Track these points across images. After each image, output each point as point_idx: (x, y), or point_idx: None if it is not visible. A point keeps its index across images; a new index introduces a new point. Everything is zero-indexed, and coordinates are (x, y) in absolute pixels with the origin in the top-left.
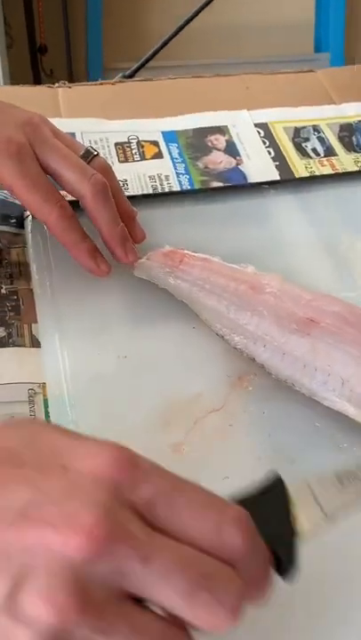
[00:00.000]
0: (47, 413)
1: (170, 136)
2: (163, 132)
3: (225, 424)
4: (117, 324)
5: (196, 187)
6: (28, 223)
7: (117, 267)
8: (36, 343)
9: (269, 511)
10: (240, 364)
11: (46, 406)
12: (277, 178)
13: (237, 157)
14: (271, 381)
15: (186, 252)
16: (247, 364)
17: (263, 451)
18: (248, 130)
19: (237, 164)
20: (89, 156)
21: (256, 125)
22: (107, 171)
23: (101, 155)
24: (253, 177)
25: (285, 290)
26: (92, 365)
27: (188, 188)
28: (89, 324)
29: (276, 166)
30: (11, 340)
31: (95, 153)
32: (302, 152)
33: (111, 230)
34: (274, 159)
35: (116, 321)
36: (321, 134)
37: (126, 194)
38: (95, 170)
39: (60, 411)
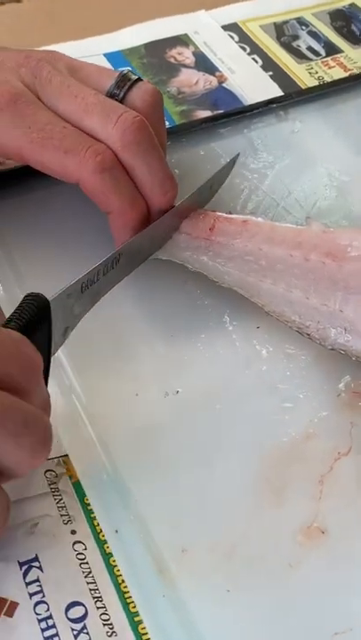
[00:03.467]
0: (85, 506)
1: (117, 58)
2: (106, 55)
3: None
4: (147, 344)
5: (178, 121)
6: None
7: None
8: None
9: None
10: (349, 371)
11: (81, 493)
12: (280, 93)
13: (217, 73)
14: None
15: (218, 213)
16: (359, 369)
17: None
18: (217, 35)
19: (220, 82)
20: (125, 84)
21: (225, 28)
22: (151, 102)
23: None
24: (249, 96)
25: None
26: (131, 415)
27: (168, 124)
28: (107, 347)
29: (272, 77)
30: None
31: (135, 77)
32: (297, 54)
33: (157, 199)
34: (265, 68)
35: (144, 339)
36: (311, 28)
37: None
38: (135, 103)
39: (101, 497)
